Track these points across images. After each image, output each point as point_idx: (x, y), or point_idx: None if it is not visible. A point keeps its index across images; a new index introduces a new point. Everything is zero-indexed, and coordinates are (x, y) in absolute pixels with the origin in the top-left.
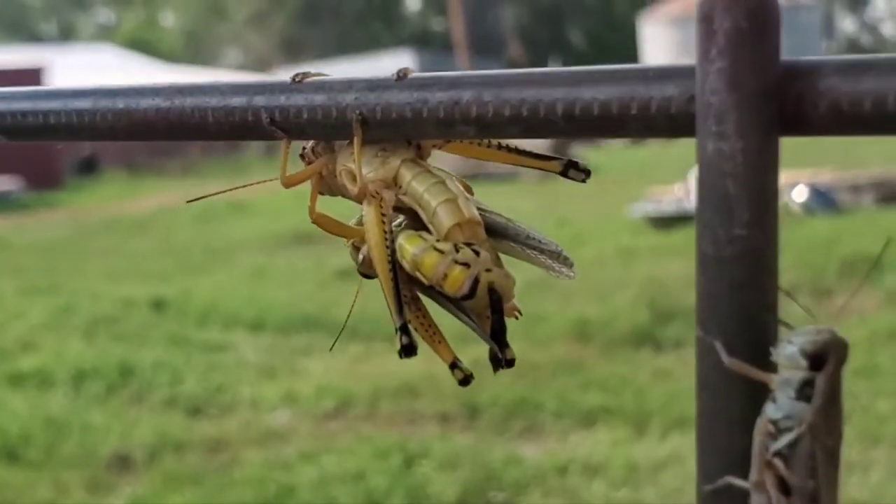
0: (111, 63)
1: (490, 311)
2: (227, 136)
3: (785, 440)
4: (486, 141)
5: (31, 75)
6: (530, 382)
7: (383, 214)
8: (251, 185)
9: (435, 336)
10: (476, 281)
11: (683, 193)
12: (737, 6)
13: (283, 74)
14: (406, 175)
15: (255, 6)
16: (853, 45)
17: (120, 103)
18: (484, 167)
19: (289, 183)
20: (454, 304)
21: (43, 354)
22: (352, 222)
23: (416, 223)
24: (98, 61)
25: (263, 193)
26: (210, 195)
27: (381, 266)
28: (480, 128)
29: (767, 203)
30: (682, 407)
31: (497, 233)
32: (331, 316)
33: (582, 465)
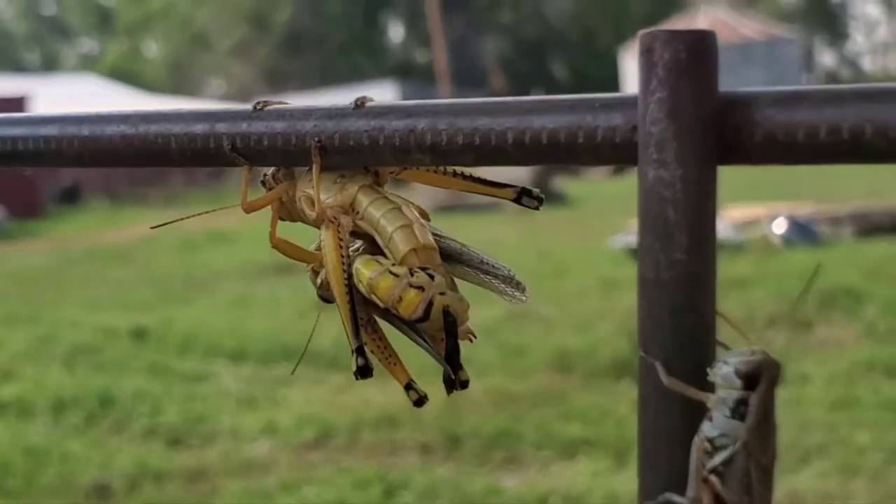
0: (93, 92)
1: (444, 334)
2: (190, 162)
3: (720, 457)
4: (441, 168)
5: (14, 104)
6: (511, 413)
7: (340, 239)
8: (205, 213)
9: (390, 358)
10: (430, 304)
11: None
12: (676, 39)
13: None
14: (363, 201)
15: (239, 36)
16: (833, 79)
17: (86, 130)
18: (465, 198)
19: (249, 208)
20: (409, 326)
21: (23, 383)
22: (311, 247)
23: (373, 248)
24: (80, 91)
25: (243, 223)
26: (173, 221)
27: (338, 289)
28: (435, 156)
29: (706, 229)
30: None
31: (452, 258)
32: (311, 345)
33: (562, 496)
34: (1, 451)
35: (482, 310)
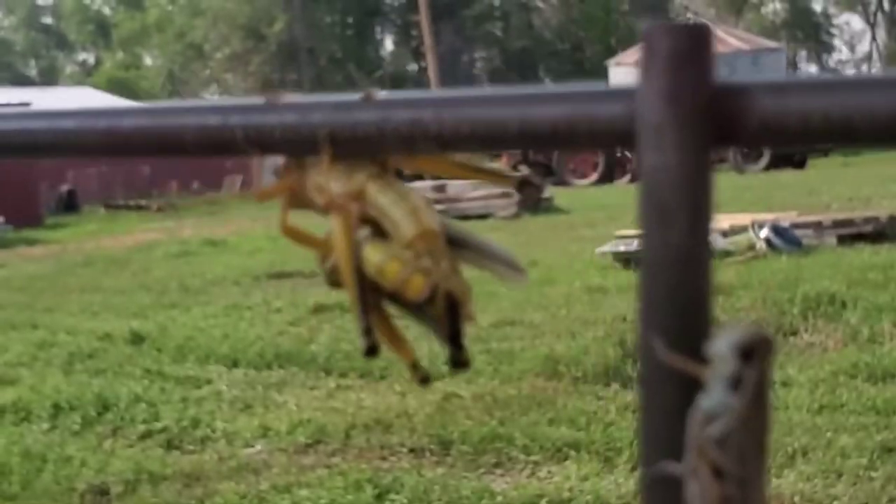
0: (91, 102)
1: (447, 316)
2: (204, 152)
3: (716, 428)
4: (446, 158)
5: None
6: (500, 418)
7: (349, 226)
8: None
9: (396, 339)
10: (435, 287)
11: None
12: (675, 30)
13: None
14: (371, 189)
15: (234, 47)
16: None
17: (102, 123)
18: (456, 205)
19: (262, 197)
20: (415, 309)
21: (21, 388)
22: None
23: (381, 234)
24: (79, 102)
25: (238, 231)
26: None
27: (347, 274)
28: (440, 144)
29: (702, 211)
30: None
31: (456, 243)
32: (306, 351)
33: (551, 498)
34: None
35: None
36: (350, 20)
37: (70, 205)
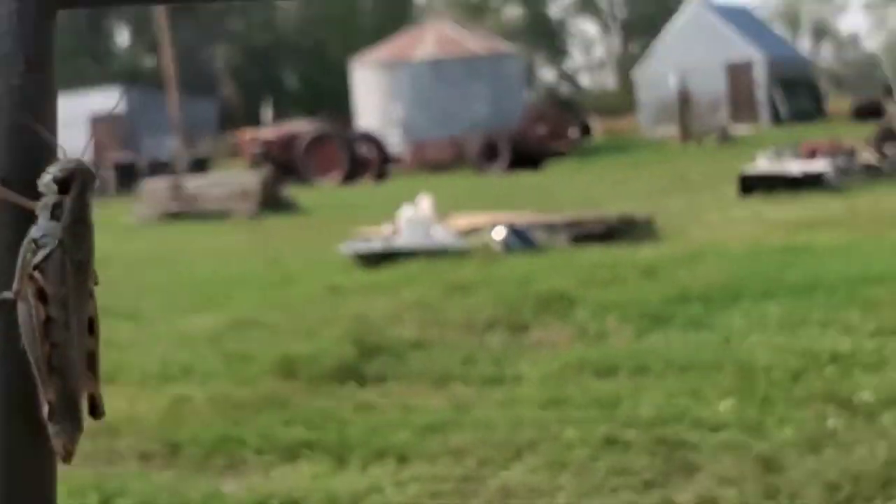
0: None
1: None
2: None
3: (41, 254)
4: None
5: None
6: (233, 419)
7: None
8: None
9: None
10: None
11: (392, 231)
12: None
13: None
14: None
15: None
16: (552, 94)
17: None
18: (194, 204)
19: None
20: None
21: None
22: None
23: None
24: None
25: None
26: None
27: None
28: None
29: (40, 55)
30: (383, 439)
31: None
32: None
33: (282, 499)
34: None
35: (205, 317)
36: (82, 12)
37: None
